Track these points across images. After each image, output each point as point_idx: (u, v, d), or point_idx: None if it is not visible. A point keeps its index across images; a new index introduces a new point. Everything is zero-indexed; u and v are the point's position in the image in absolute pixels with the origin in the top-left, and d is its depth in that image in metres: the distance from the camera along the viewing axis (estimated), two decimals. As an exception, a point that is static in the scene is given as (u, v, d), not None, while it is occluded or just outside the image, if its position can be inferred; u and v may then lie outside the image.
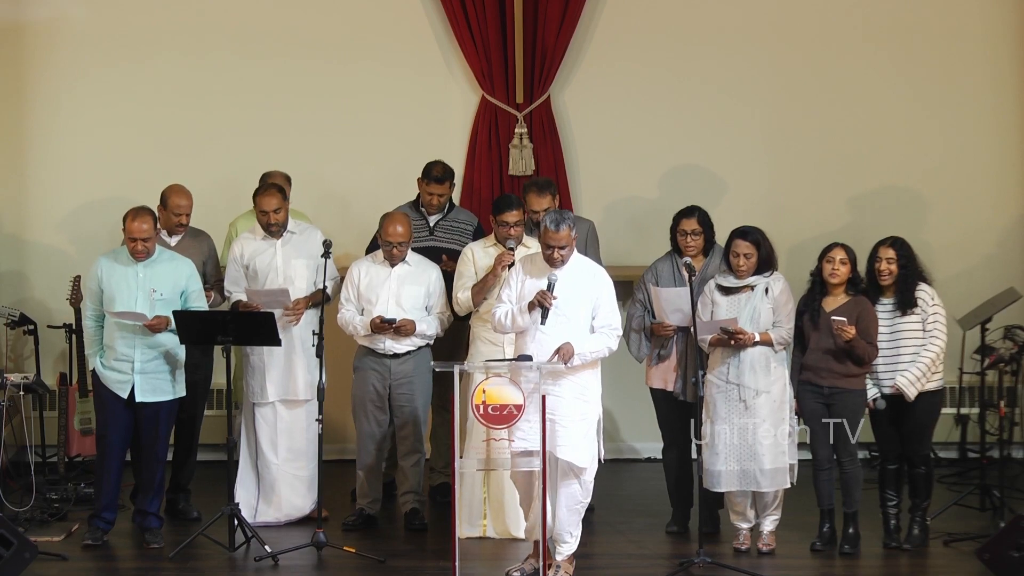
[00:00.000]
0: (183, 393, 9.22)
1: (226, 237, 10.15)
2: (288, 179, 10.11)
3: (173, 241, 9.65)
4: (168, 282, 9.08)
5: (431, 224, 9.92)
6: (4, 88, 11.13)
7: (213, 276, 9.78)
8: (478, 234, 9.98)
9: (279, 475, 9.57)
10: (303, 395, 9.55)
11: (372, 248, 9.76)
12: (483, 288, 9.21)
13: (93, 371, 9.17)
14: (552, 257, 8.33)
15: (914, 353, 8.89)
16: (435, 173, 9.89)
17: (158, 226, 9.15)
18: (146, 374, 9.05)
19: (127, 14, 11.13)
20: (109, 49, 11.13)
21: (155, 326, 8.99)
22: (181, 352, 9.18)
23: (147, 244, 9.00)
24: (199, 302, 9.20)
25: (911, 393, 8.85)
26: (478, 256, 9.38)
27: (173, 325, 9.03)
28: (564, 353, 8.22)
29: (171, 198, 9.63)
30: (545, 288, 8.28)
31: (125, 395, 9.03)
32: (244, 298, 9.55)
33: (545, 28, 10.98)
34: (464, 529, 9.20)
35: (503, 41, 11.02)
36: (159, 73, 11.12)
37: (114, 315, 8.99)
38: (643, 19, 11.19)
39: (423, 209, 9.94)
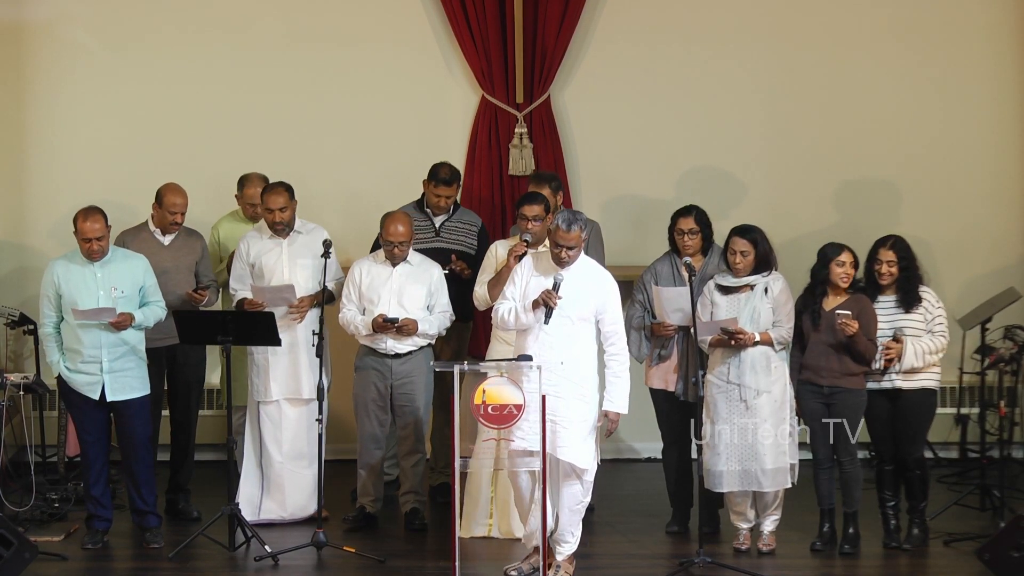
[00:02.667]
0: (149, 390, 9.19)
1: (209, 239, 10.14)
2: (267, 180, 10.10)
3: (167, 240, 9.64)
4: (127, 279, 9.07)
5: (437, 225, 9.91)
6: (4, 88, 11.13)
7: (206, 276, 9.77)
8: (483, 235, 9.98)
9: (284, 473, 9.56)
10: (307, 394, 9.53)
11: (376, 249, 9.76)
12: (499, 282, 9.15)
13: (59, 377, 9.12)
14: (560, 256, 8.32)
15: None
16: (443, 175, 9.89)
17: (109, 224, 9.09)
18: (115, 373, 9.02)
19: (127, 14, 11.13)
20: (109, 50, 11.14)
21: (121, 323, 8.97)
22: (143, 347, 9.15)
23: (101, 243, 8.98)
24: (156, 296, 9.18)
25: (909, 358, 8.81)
26: (502, 254, 9.35)
27: (136, 321, 9.01)
28: (611, 423, 8.39)
29: (167, 196, 9.62)
30: (550, 288, 8.28)
31: (96, 396, 9.00)
32: (249, 295, 9.55)
33: (545, 28, 10.98)
34: (469, 528, 9.22)
35: (503, 41, 11.02)
36: (160, 74, 11.11)
37: (80, 315, 8.93)
38: (643, 19, 11.19)
39: (428, 210, 9.94)
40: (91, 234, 8.94)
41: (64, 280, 9.03)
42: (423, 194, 10.02)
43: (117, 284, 9.03)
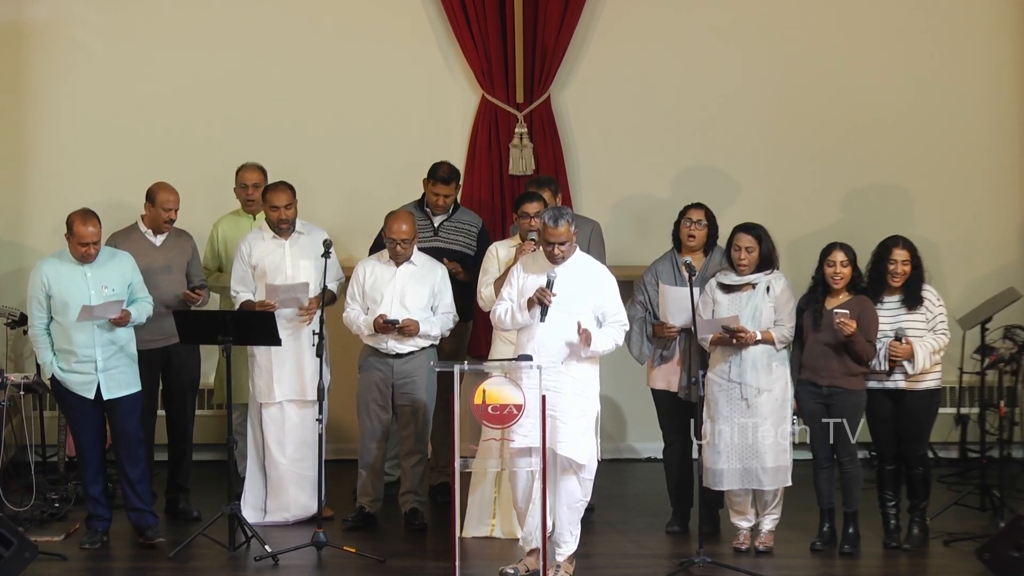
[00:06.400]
0: (140, 386, 9.17)
1: (208, 237, 10.14)
2: (264, 172, 10.11)
3: (159, 241, 9.62)
4: (116, 277, 9.05)
5: (435, 225, 9.92)
6: (4, 88, 11.13)
7: (197, 276, 9.77)
8: (482, 235, 9.99)
9: (287, 475, 9.55)
10: (312, 395, 9.50)
11: (376, 248, 9.75)
12: (505, 282, 9.15)
13: (52, 378, 9.09)
14: (552, 254, 8.33)
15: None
16: (441, 173, 9.90)
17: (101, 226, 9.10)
18: (109, 371, 9.00)
19: (127, 14, 11.13)
20: (109, 49, 11.14)
21: (122, 320, 8.96)
22: (134, 345, 9.14)
23: (97, 247, 8.96)
24: (143, 292, 9.17)
25: (921, 361, 8.81)
26: (502, 254, 9.35)
27: (132, 318, 9.01)
28: (584, 336, 8.22)
29: (159, 194, 9.60)
30: (544, 286, 8.28)
31: (91, 396, 8.98)
32: (251, 298, 9.53)
33: (545, 28, 10.98)
34: (472, 528, 9.22)
35: (503, 41, 11.02)
36: (160, 74, 11.11)
37: (86, 313, 8.85)
38: (643, 19, 11.19)
39: (428, 209, 9.95)
40: (89, 238, 8.90)
41: (55, 281, 8.98)
42: (423, 194, 10.03)
43: (107, 283, 9.00)
